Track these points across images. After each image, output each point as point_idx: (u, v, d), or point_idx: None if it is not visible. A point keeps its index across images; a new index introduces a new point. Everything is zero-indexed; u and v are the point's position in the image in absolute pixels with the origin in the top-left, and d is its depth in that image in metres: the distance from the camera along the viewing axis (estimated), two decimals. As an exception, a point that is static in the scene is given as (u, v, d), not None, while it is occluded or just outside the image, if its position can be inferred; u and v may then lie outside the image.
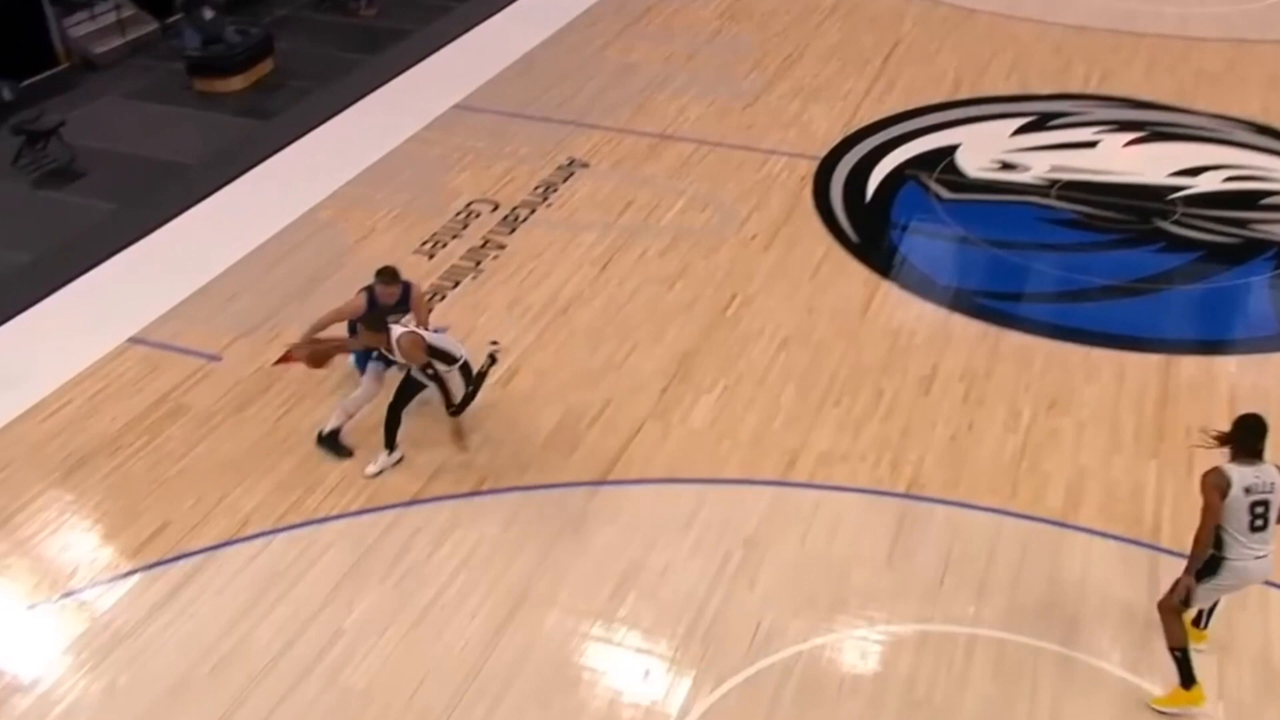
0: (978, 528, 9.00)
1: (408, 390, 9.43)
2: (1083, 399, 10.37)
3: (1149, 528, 8.98)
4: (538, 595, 8.45)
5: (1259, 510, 7.06)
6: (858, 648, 8.09)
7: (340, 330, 9.78)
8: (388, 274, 9.60)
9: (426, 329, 9.49)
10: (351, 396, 9.73)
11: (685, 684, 7.81)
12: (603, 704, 7.68)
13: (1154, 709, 7.59)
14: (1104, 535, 8.93)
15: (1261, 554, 7.18)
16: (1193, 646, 7.55)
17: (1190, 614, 7.68)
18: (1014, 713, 7.60)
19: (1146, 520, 9.05)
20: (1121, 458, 9.69)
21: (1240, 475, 7.07)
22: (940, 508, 9.19)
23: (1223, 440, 7.27)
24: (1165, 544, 8.75)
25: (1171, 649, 7.49)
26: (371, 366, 9.67)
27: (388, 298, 9.55)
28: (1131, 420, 10.11)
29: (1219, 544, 7.20)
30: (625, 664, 7.99)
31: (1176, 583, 7.38)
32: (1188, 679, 7.45)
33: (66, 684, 7.86)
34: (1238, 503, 7.05)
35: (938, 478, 9.48)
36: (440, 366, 9.06)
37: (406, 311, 9.69)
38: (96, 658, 8.03)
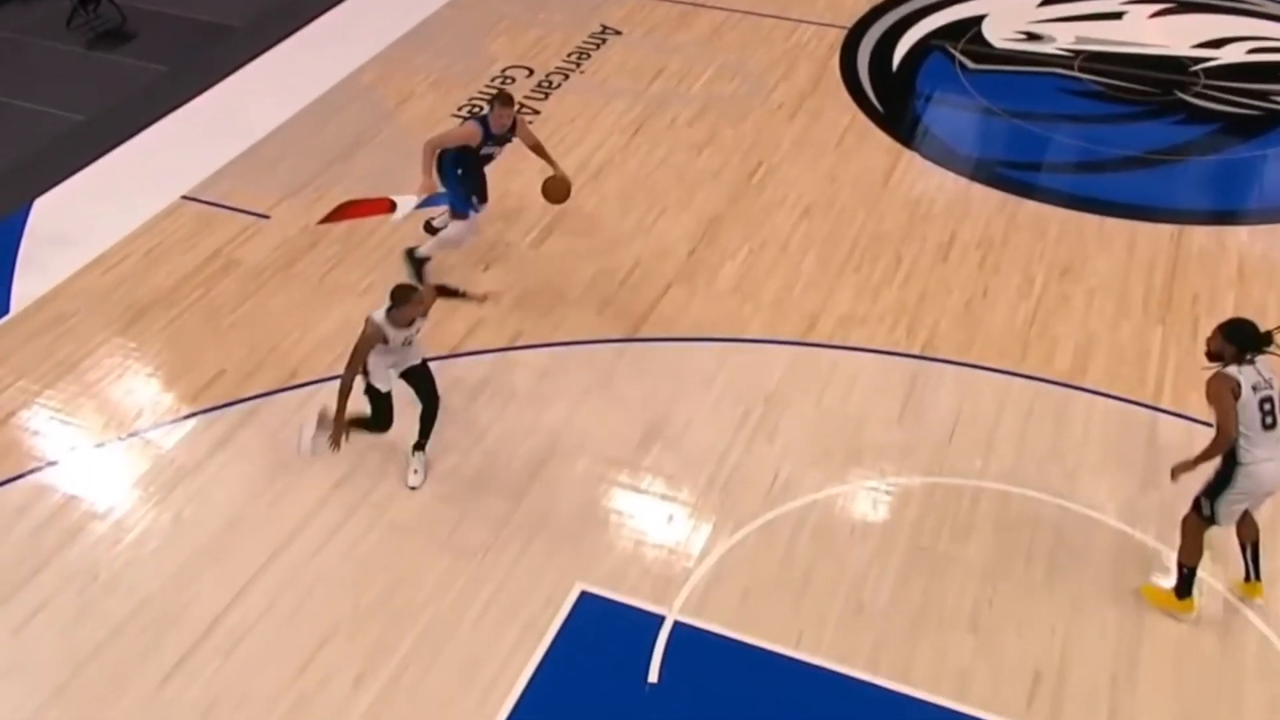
0: (987, 388, 9.41)
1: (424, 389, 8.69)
2: (1094, 267, 10.70)
3: (1151, 390, 9.36)
4: (569, 445, 8.92)
5: (1267, 407, 6.95)
6: (869, 497, 8.56)
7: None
8: (505, 97, 9.71)
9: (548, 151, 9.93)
10: (444, 233, 10.08)
11: (706, 528, 8.29)
12: (629, 544, 8.18)
13: (1140, 594, 7.76)
14: (1107, 396, 9.31)
15: (1273, 457, 7.04)
16: (1248, 600, 7.65)
17: (1232, 577, 7.78)
18: (1013, 557, 8.06)
19: (1149, 383, 9.43)
20: (1129, 324, 10.05)
21: (1245, 375, 6.97)
22: (952, 369, 9.59)
23: (1217, 355, 7.11)
24: (1166, 405, 9.17)
25: (1180, 564, 7.52)
26: (459, 223, 9.97)
27: (503, 121, 9.72)
28: (1140, 288, 10.46)
29: (1231, 452, 7.09)
30: (650, 509, 8.46)
31: (1183, 465, 7.38)
32: (1184, 592, 7.55)
33: (137, 514, 8.43)
34: (1249, 400, 6.94)
35: (951, 341, 9.87)
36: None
37: (509, 141, 9.87)
38: (163, 491, 8.58)
